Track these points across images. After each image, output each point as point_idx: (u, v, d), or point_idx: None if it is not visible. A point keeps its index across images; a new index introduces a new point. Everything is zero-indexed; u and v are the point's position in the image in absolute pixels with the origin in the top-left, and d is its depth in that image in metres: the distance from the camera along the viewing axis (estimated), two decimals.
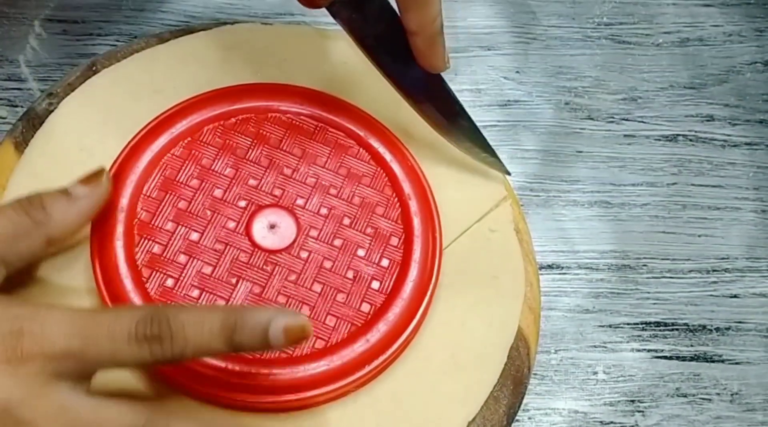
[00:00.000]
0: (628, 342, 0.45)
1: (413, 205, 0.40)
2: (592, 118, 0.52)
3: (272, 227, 0.38)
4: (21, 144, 0.40)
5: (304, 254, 0.38)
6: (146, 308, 0.34)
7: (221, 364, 0.34)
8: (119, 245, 0.36)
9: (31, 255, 0.34)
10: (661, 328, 0.46)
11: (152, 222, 0.37)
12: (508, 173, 0.42)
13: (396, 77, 0.39)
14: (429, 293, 0.38)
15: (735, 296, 0.47)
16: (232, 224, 0.38)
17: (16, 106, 0.47)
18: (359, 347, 0.36)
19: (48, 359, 0.30)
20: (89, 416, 0.30)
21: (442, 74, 0.39)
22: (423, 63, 0.37)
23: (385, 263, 0.38)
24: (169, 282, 0.36)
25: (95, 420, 0.30)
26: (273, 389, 0.34)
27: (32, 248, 0.34)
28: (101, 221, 0.37)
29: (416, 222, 0.39)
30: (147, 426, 0.30)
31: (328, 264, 0.38)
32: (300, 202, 0.39)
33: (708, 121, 0.53)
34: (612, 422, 0.43)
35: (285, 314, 0.31)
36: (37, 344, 0.30)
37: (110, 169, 0.38)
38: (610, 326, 0.46)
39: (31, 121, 0.40)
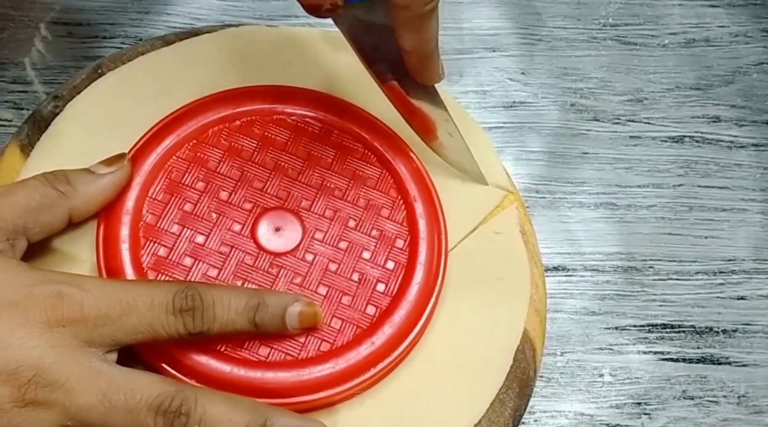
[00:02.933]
0: (634, 344, 0.45)
1: (419, 208, 0.40)
2: (597, 120, 0.52)
3: (277, 229, 0.38)
4: (27, 147, 0.40)
5: (309, 257, 0.38)
6: (179, 282, 0.35)
7: (227, 367, 0.34)
8: (125, 248, 0.36)
9: (51, 228, 0.35)
10: (668, 330, 0.46)
11: (158, 225, 0.37)
12: (485, 183, 0.42)
13: (389, 88, 0.39)
14: (434, 296, 0.38)
15: (742, 298, 0.47)
16: (237, 227, 0.38)
17: (22, 108, 0.47)
18: (365, 349, 0.36)
19: (85, 323, 0.31)
20: (121, 381, 0.30)
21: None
22: (417, 77, 0.37)
23: (390, 265, 0.38)
24: None
25: (128, 385, 0.30)
26: (278, 391, 0.34)
27: (54, 221, 0.35)
28: (107, 224, 0.37)
29: (422, 224, 0.39)
30: (177, 395, 0.30)
31: (333, 267, 0.38)
32: (305, 204, 0.39)
33: (714, 122, 0.53)
34: (618, 425, 0.43)
35: (301, 300, 0.35)
36: (77, 307, 0.31)
37: None
38: (616, 328, 0.46)
39: (37, 124, 0.40)
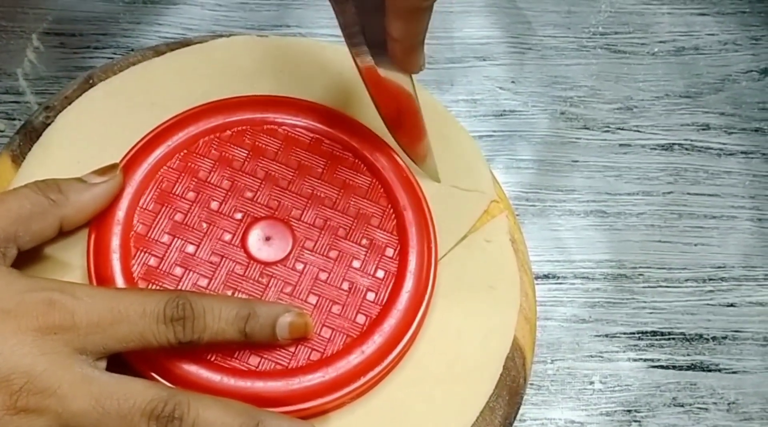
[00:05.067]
0: (624, 352, 0.45)
1: (408, 216, 0.40)
2: (587, 128, 0.52)
3: (268, 239, 0.38)
4: (18, 157, 0.40)
5: (299, 266, 0.38)
6: (170, 291, 0.35)
7: (217, 376, 0.34)
8: (115, 258, 0.36)
9: (42, 237, 0.35)
10: (658, 337, 0.46)
11: (148, 235, 0.37)
12: (438, 180, 0.42)
13: (367, 75, 0.38)
14: (424, 304, 0.38)
15: (731, 305, 0.48)
16: (227, 237, 0.38)
17: (14, 119, 0.47)
18: (355, 358, 0.36)
19: (77, 331, 0.31)
20: (114, 387, 0.31)
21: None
22: (398, 64, 0.37)
23: (380, 274, 0.39)
24: None
25: (120, 390, 0.30)
26: (268, 401, 0.34)
27: (45, 229, 0.35)
28: (98, 234, 0.37)
29: (411, 233, 0.40)
30: (170, 400, 0.31)
31: (323, 276, 0.38)
32: (295, 214, 0.39)
33: (704, 129, 0.53)
34: None
35: (291, 311, 0.35)
36: (69, 314, 0.31)
37: None
38: (606, 336, 0.46)
39: (29, 135, 0.41)
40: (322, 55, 0.45)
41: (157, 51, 0.44)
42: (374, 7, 0.35)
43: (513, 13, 0.55)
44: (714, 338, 0.46)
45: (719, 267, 0.49)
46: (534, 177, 0.50)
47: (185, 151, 0.40)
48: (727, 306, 0.47)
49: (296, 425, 0.33)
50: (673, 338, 0.46)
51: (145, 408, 0.30)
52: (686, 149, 0.52)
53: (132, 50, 0.50)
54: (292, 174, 0.40)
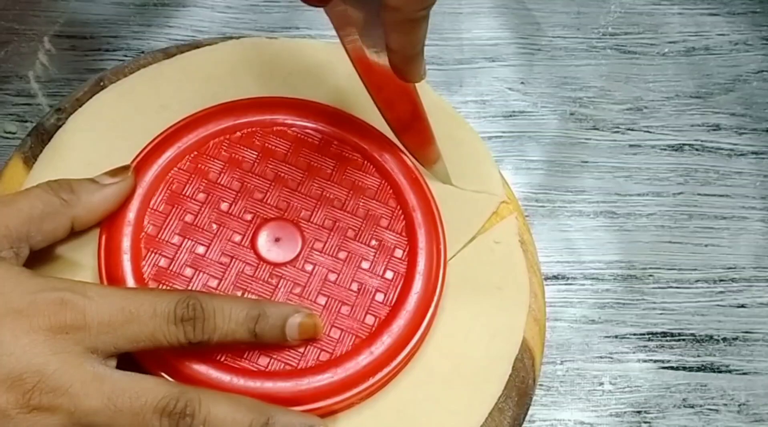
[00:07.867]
0: (634, 353, 0.45)
1: (417, 217, 0.40)
2: (597, 129, 0.52)
3: (277, 240, 0.39)
4: (30, 159, 0.40)
5: (308, 267, 0.38)
6: (180, 291, 0.35)
7: (226, 376, 0.34)
8: (126, 259, 0.37)
9: (54, 237, 0.35)
10: (668, 338, 0.46)
11: (159, 236, 0.38)
12: (450, 183, 0.42)
13: (371, 87, 0.39)
14: (433, 305, 0.38)
15: (742, 306, 0.47)
16: (237, 238, 0.38)
17: (26, 121, 0.48)
18: (363, 359, 0.36)
19: (88, 331, 0.31)
20: (125, 384, 0.31)
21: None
22: (398, 75, 0.37)
23: (389, 275, 0.39)
24: None
25: (132, 388, 0.31)
26: (277, 401, 0.34)
27: (57, 229, 0.35)
28: (109, 234, 0.37)
29: (420, 234, 0.40)
30: (181, 397, 0.31)
31: (332, 277, 0.38)
32: (305, 215, 0.39)
33: (714, 130, 0.53)
34: None
35: (301, 312, 0.35)
36: (80, 314, 0.31)
37: None
38: (616, 337, 0.46)
39: (40, 137, 0.41)
40: (332, 57, 0.45)
41: (167, 53, 0.44)
42: (370, 23, 0.35)
43: (522, 14, 0.55)
44: (724, 339, 0.46)
45: (730, 268, 0.48)
46: (543, 178, 0.50)
47: (195, 152, 0.40)
48: (738, 307, 0.47)
49: (306, 420, 0.33)
50: (684, 339, 0.46)
51: (156, 405, 0.31)
52: (696, 150, 0.52)
53: (142, 53, 0.50)
54: (301, 175, 0.40)
